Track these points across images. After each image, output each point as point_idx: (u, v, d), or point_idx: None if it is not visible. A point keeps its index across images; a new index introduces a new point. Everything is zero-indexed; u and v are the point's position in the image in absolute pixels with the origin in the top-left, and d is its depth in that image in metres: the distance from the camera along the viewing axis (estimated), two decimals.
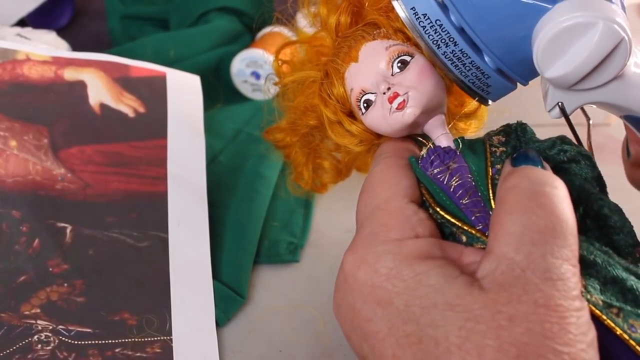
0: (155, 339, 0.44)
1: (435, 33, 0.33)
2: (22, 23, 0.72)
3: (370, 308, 0.30)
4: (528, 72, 0.34)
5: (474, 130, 0.42)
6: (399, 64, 0.35)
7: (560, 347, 0.25)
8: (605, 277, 0.30)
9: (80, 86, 0.58)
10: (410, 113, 0.34)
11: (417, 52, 0.36)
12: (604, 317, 0.29)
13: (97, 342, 0.44)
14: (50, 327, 0.44)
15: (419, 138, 0.38)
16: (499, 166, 0.35)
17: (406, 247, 0.31)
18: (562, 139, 0.36)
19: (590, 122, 0.39)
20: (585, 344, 0.26)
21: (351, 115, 0.38)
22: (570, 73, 0.32)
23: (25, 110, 0.55)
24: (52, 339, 0.43)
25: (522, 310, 0.26)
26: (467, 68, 0.34)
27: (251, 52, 0.68)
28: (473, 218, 0.33)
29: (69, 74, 0.58)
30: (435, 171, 0.35)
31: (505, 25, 0.32)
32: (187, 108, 0.60)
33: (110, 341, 0.44)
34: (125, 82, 0.59)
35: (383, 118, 0.35)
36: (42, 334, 0.43)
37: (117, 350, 0.43)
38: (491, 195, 0.34)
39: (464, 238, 0.33)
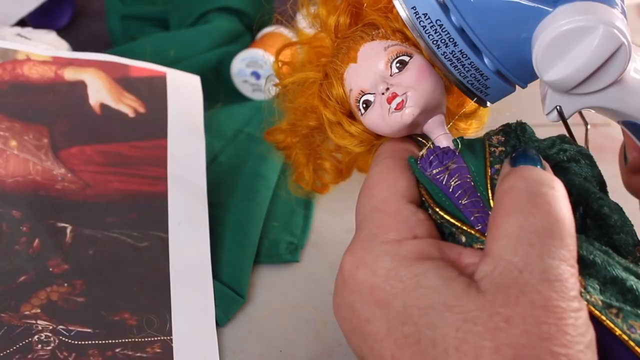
0: (156, 339, 0.44)
1: (435, 33, 0.33)
2: (22, 23, 0.72)
3: (369, 309, 0.30)
4: (527, 74, 0.34)
5: (474, 130, 0.42)
6: (398, 64, 0.35)
7: (557, 348, 0.25)
8: (604, 277, 0.30)
9: (81, 86, 0.58)
10: (409, 113, 0.34)
11: (416, 52, 0.36)
12: (604, 317, 0.29)
13: (97, 342, 0.44)
14: (51, 327, 0.44)
15: (419, 138, 0.38)
16: (498, 166, 0.35)
17: (404, 248, 0.31)
18: (562, 139, 0.36)
19: (588, 126, 0.39)
20: (583, 345, 0.26)
21: (351, 116, 0.38)
22: (568, 77, 0.32)
23: (26, 110, 0.55)
24: (52, 339, 0.43)
25: (519, 311, 0.26)
26: (466, 69, 0.34)
27: (251, 52, 0.68)
28: (472, 218, 0.33)
29: (69, 74, 0.58)
30: (434, 172, 0.35)
31: (505, 27, 0.32)
32: (187, 108, 0.60)
33: (110, 341, 0.44)
34: (125, 82, 0.59)
35: (382, 118, 0.35)
36: (42, 334, 0.43)
37: (117, 350, 0.43)
38: (490, 195, 0.34)
39: (463, 238, 0.33)
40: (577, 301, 0.27)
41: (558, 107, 0.35)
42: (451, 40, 0.33)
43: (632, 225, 0.34)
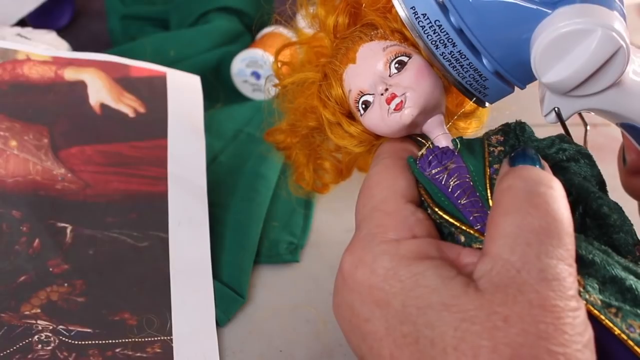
0: (156, 339, 0.45)
1: (434, 33, 0.33)
2: (22, 23, 0.72)
3: (368, 308, 0.30)
4: (526, 75, 0.34)
5: (474, 129, 0.42)
6: (397, 65, 0.35)
7: (555, 347, 0.25)
8: (604, 277, 0.30)
9: (81, 86, 0.58)
10: (408, 114, 0.34)
11: (415, 53, 0.36)
12: (603, 317, 0.29)
13: (97, 342, 0.44)
14: (51, 327, 0.44)
15: (419, 138, 0.38)
16: (497, 166, 0.35)
17: (403, 247, 0.31)
18: (561, 138, 0.36)
19: (588, 127, 0.39)
20: (581, 344, 0.26)
21: (350, 116, 0.38)
22: (567, 79, 0.32)
23: (26, 110, 0.55)
24: (52, 339, 0.43)
25: (517, 310, 0.26)
26: (465, 70, 0.34)
27: (251, 52, 0.68)
28: (471, 218, 0.33)
29: (69, 74, 0.58)
30: (434, 171, 0.35)
31: (504, 28, 0.32)
32: (187, 108, 0.60)
33: (110, 341, 0.44)
34: (125, 82, 0.59)
35: (381, 119, 0.35)
36: (42, 334, 0.43)
37: (117, 350, 0.43)
38: (489, 195, 0.34)
39: (462, 238, 0.33)
40: (575, 300, 0.27)
41: (556, 109, 0.35)
42: (450, 40, 0.33)
43: (632, 225, 0.34)
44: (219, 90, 0.67)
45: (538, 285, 0.27)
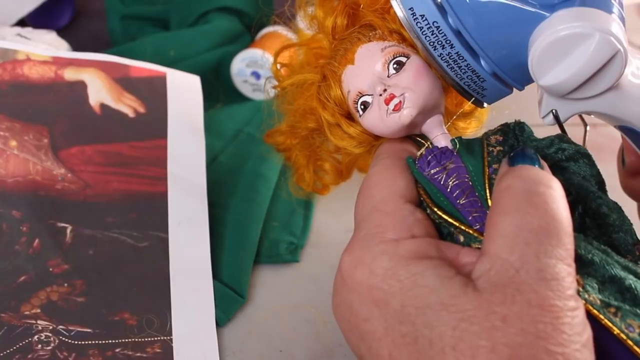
0: (156, 339, 0.45)
1: (432, 35, 0.33)
2: (22, 23, 0.72)
3: (367, 308, 0.30)
4: (524, 77, 0.34)
5: (473, 129, 0.42)
6: (395, 65, 0.35)
7: (553, 347, 0.25)
8: (603, 276, 0.30)
9: (81, 86, 0.58)
10: (407, 114, 0.34)
11: (413, 53, 0.36)
12: (602, 316, 0.29)
13: (97, 342, 0.44)
14: (51, 327, 0.44)
15: (418, 138, 0.38)
16: (496, 166, 0.35)
17: (402, 247, 0.31)
18: (561, 138, 0.36)
19: (588, 128, 0.39)
20: (579, 344, 0.26)
21: (349, 117, 0.38)
22: (564, 82, 0.32)
23: (26, 110, 0.55)
24: (52, 339, 0.43)
25: (515, 310, 0.26)
26: (463, 71, 0.34)
27: (251, 52, 0.68)
28: (470, 218, 0.33)
29: (69, 74, 0.58)
30: (432, 172, 0.35)
31: (502, 30, 0.32)
32: (187, 108, 0.60)
33: (110, 341, 0.44)
34: (125, 82, 0.59)
35: (380, 120, 0.35)
36: (42, 334, 0.43)
37: (117, 350, 0.43)
38: (488, 194, 0.33)
39: (461, 238, 0.33)
40: (573, 300, 0.27)
41: (554, 111, 0.35)
42: (448, 42, 0.33)
43: (631, 224, 0.34)
44: (219, 90, 0.67)
45: (537, 285, 0.27)
